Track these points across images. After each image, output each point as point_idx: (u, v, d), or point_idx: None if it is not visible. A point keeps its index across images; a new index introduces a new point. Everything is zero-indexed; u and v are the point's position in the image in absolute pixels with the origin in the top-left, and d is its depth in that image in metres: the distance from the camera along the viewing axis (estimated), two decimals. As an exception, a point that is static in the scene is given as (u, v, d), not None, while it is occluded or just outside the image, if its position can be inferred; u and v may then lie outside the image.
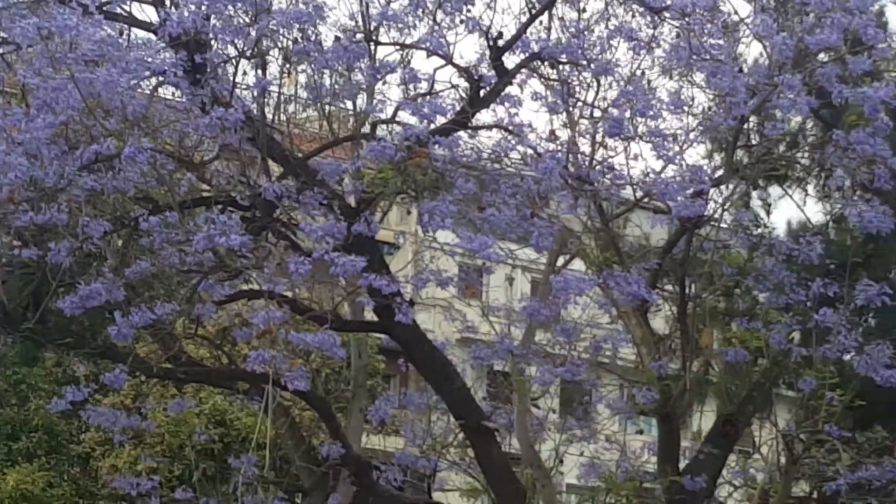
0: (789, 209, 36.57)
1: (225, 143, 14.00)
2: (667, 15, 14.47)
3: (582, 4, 15.04)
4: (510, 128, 14.82)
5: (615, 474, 17.02)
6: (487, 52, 14.31)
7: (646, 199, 15.57)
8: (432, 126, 14.07)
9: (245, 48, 14.07)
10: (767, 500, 16.10)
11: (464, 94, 14.45)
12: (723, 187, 15.89)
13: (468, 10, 14.21)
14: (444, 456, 16.82)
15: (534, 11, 14.53)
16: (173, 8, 13.74)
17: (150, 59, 13.76)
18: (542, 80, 15.04)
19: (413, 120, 14.13)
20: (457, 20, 14.29)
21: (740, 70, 14.61)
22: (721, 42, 14.62)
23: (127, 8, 14.18)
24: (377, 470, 15.87)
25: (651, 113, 14.70)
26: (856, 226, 15.17)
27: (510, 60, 14.41)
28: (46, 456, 27.93)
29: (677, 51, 14.60)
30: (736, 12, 14.81)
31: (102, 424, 17.33)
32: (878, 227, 14.64)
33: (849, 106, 14.21)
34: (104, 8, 13.69)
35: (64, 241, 13.13)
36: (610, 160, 15.31)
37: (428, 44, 14.23)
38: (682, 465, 15.62)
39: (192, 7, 13.60)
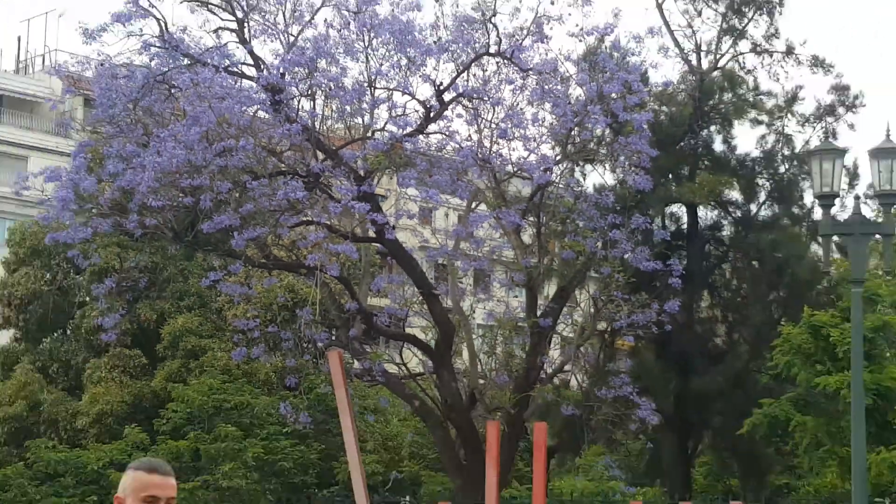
0: (596, 177, 36.51)
1: (293, 142, 14.50)
2: (531, 72, 14.95)
3: (485, 66, 15.27)
4: (446, 133, 15.37)
5: (503, 318, 17.43)
6: (434, 92, 14.84)
7: (519, 171, 16.15)
8: (404, 132, 14.64)
9: (303, 92, 14.57)
10: (584, 332, 16.60)
11: (421, 115, 14.98)
12: (560, 166, 16.43)
13: (423, 69, 14.78)
14: (412, 308, 16.78)
15: (459, 70, 14.99)
16: (265, 70, 14.27)
17: (252, 96, 14.30)
18: (464, 107, 15.45)
19: (394, 129, 14.74)
20: (417, 75, 14.86)
21: (569, 103, 15.19)
22: (559, 87, 15.22)
23: (239, 69, 14.59)
24: (375, 316, 15.96)
25: (522, 125, 15.25)
26: (631, 185, 15.80)
27: (447, 96, 14.99)
28: (198, 309, 27.36)
29: (536, 91, 15.16)
30: (567, 71, 15.47)
31: (229, 292, 17.55)
32: (643, 187, 15.45)
33: (627, 123, 14.98)
34: (227, 68, 14.25)
35: (206, 193, 13.66)
36: (500, 151, 15.76)
37: (402, 87, 14.73)
38: (538, 312, 16.01)
39: (274, 70, 14.13)
